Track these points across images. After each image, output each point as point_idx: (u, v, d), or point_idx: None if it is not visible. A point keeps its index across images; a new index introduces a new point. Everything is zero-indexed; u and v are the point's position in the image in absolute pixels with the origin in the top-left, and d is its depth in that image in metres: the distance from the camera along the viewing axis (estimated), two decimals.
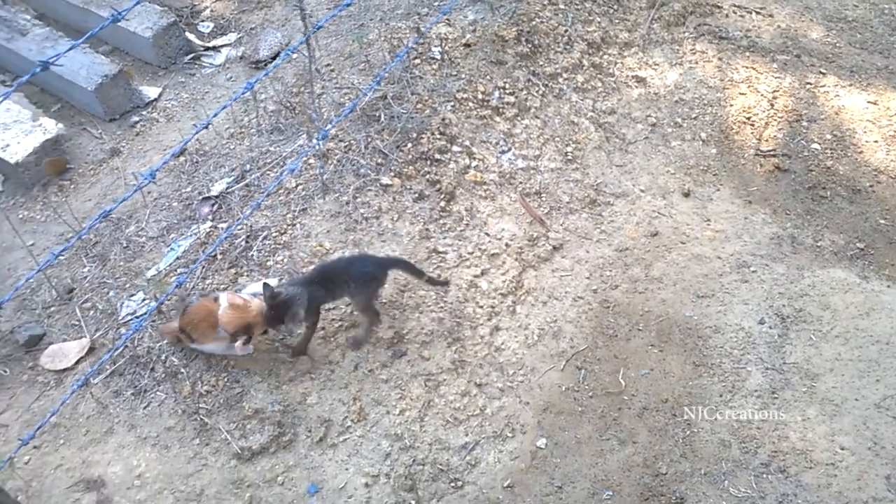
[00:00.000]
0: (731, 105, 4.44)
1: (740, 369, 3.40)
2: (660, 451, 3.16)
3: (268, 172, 3.76)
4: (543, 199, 3.85)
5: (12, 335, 3.47)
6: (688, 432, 3.22)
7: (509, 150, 3.92)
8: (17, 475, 2.98)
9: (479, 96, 4.00)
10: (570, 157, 4.02)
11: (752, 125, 4.35)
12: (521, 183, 3.85)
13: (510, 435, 3.19)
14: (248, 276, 3.37)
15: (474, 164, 3.80)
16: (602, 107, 4.28)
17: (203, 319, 2.98)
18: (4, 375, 3.37)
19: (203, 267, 3.39)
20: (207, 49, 4.87)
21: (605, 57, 4.47)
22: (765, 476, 3.09)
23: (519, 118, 4.04)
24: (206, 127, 2.71)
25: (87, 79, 4.40)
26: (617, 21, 4.64)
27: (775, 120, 4.38)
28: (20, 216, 4.08)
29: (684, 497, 3.04)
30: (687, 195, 4.05)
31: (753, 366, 3.41)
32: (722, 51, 4.71)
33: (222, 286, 3.35)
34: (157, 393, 3.10)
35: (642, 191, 4.04)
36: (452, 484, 3.04)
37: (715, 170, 4.17)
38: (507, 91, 4.07)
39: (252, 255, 3.42)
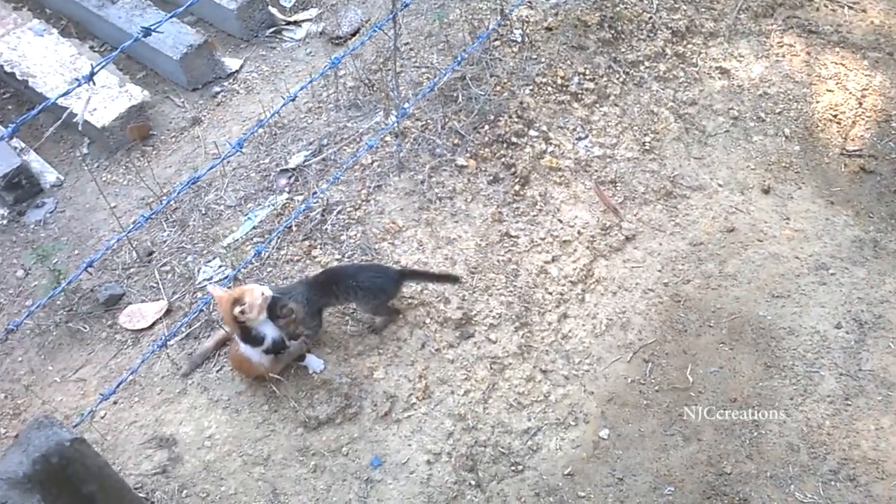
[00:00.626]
0: (818, 101, 4.29)
1: (813, 373, 3.31)
2: (725, 450, 3.11)
3: (344, 148, 3.80)
4: (618, 188, 3.80)
5: (93, 294, 3.60)
6: (755, 433, 3.16)
7: (586, 136, 3.88)
8: (94, 428, 3.10)
9: (559, 81, 3.96)
10: (647, 147, 3.96)
11: (839, 123, 4.21)
12: (596, 171, 3.80)
13: (573, 423, 3.18)
14: (321, 248, 3.42)
15: (550, 149, 3.77)
16: (683, 97, 4.19)
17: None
18: (84, 332, 3.50)
19: (278, 238, 3.45)
20: (289, 23, 4.93)
21: (689, 46, 4.37)
22: (833, 483, 3.02)
23: (597, 105, 3.98)
24: (293, 100, 2.75)
25: (173, 48, 4.50)
26: (703, 10, 4.52)
27: (863, 119, 4.22)
28: (104, 179, 4.21)
29: (748, 499, 2.99)
30: (766, 192, 3.95)
31: (827, 370, 3.32)
32: (810, 45, 4.55)
33: (296, 257, 3.41)
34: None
35: (720, 185, 3.95)
36: (513, 468, 3.04)
37: (797, 167, 4.05)
38: (587, 77, 4.02)
39: (326, 229, 3.47)
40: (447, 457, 3.01)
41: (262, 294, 2.86)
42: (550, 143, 3.78)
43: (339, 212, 3.52)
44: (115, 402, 3.17)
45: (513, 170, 3.66)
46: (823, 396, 3.25)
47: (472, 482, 2.99)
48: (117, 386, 2.74)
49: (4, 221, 4.16)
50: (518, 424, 3.13)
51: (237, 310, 2.82)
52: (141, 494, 2.82)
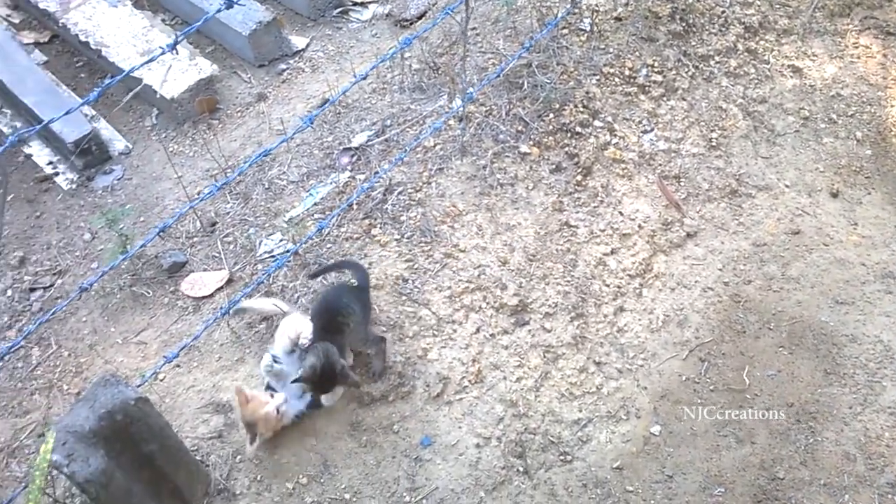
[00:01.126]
0: (893, 106, 4.17)
1: (875, 383, 3.23)
2: (779, 455, 3.06)
3: (407, 129, 3.81)
4: (682, 184, 3.74)
5: (157, 260, 3.68)
6: (811, 440, 3.10)
7: (652, 130, 3.83)
8: (153, 390, 3.18)
9: (626, 72, 3.92)
10: (713, 144, 3.89)
11: None
12: (660, 165, 3.75)
13: (624, 417, 3.15)
14: (381, 227, 3.45)
15: (615, 140, 3.73)
16: (753, 94, 4.10)
17: None
18: (147, 297, 3.59)
19: (339, 215, 3.48)
20: (356, 4, 4.96)
21: (762, 43, 4.27)
22: (890, 496, 2.95)
23: (665, 98, 3.93)
24: (364, 78, 2.77)
25: (242, 24, 4.56)
26: (777, 6, 4.41)
27: None
28: (171, 149, 4.30)
29: None
30: (835, 195, 3.85)
31: (889, 381, 3.24)
32: (888, 47, 4.41)
33: (356, 235, 3.44)
34: None
35: (787, 186, 3.87)
36: (562, 457, 3.04)
37: (868, 172, 3.94)
38: (656, 69, 3.96)
39: (387, 209, 3.49)
40: (496, 441, 3.02)
41: (276, 413, 2.87)
42: (615, 135, 3.74)
43: (400, 192, 3.54)
44: (174, 367, 3.25)
45: (576, 160, 3.64)
46: (884, 407, 3.17)
47: (521, 468, 2.99)
48: (180, 350, 2.81)
49: (73, 186, 4.29)
50: (569, 414, 3.12)
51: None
52: (196, 457, 2.88)
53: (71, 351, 3.54)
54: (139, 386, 2.68)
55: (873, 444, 3.07)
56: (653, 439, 3.10)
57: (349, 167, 3.73)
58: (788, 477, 3.00)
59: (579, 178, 3.60)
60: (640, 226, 3.57)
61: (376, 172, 3.59)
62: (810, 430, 3.12)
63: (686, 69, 4.04)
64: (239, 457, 2.93)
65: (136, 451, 2.54)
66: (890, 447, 3.06)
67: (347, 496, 2.88)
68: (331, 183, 3.67)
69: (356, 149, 3.79)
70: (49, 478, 2.88)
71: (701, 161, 3.84)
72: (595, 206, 3.57)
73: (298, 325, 3.04)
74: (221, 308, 3.05)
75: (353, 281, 3.17)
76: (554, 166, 3.63)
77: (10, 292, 3.85)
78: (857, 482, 2.97)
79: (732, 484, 2.99)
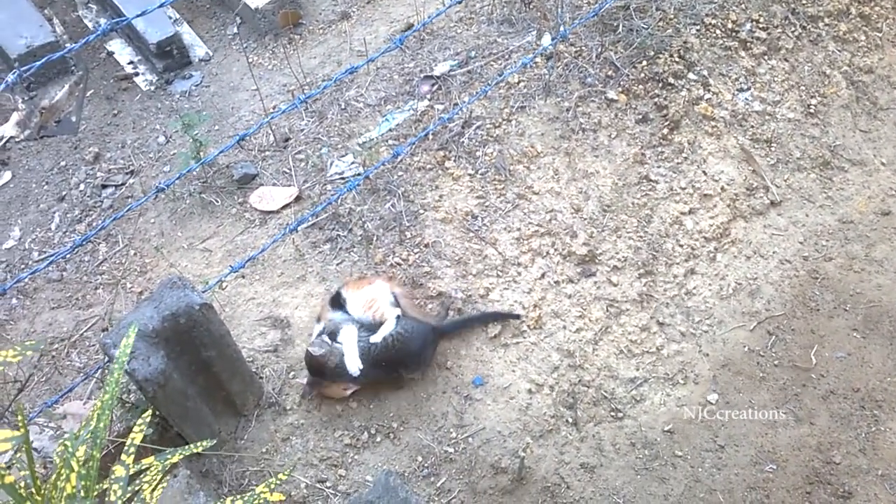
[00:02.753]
0: None
1: None
2: (838, 439, 2.96)
3: (492, 63, 3.69)
4: (772, 149, 3.56)
5: (228, 170, 3.68)
6: (874, 428, 2.99)
7: (748, 89, 3.64)
8: (214, 298, 3.21)
9: (729, 25, 3.71)
10: (811, 111, 3.68)
11: None
12: (752, 127, 3.57)
13: (682, 381, 3.08)
14: (455, 161, 3.38)
15: (707, 96, 3.56)
16: (860, 63, 3.85)
17: None
18: (216, 205, 3.60)
19: (414, 144, 3.41)
20: None
21: (876, 9, 3.99)
22: None
23: (766, 57, 3.71)
24: (452, 6, 2.66)
25: None
26: None
27: None
28: (250, 60, 4.26)
29: (853, 493, 2.85)
30: None
31: None
32: None
33: (428, 166, 3.38)
34: (352, 253, 3.21)
35: (883, 163, 3.65)
36: (613, 413, 2.99)
37: None
38: (760, 25, 3.74)
39: (463, 142, 3.41)
40: (549, 390, 2.99)
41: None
42: (709, 90, 3.57)
43: (478, 127, 3.45)
44: (235, 277, 3.27)
45: (664, 112, 3.48)
46: None
47: (570, 419, 2.95)
48: (247, 261, 2.81)
49: (152, 88, 4.29)
50: (625, 372, 3.06)
51: None
52: (251, 369, 2.92)
53: (137, 250, 3.60)
54: (203, 293, 2.69)
55: None
56: (708, 407, 3.03)
57: (429, 96, 3.64)
58: (844, 463, 2.91)
59: (665, 131, 3.46)
60: (722, 188, 3.42)
61: (456, 104, 3.49)
62: (874, 419, 3.00)
63: (792, 28, 3.80)
64: (292, 373, 2.95)
65: (196, 355, 2.58)
66: None
67: (395, 424, 2.89)
68: (408, 110, 3.60)
69: (437, 78, 3.70)
70: (106, 370, 2.97)
71: (796, 127, 3.64)
72: (678, 163, 3.43)
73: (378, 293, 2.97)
74: (289, 224, 3.04)
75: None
76: (640, 116, 3.48)
77: (82, 186, 3.91)
78: None
79: (785, 462, 2.91)
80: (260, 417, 2.85)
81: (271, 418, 2.85)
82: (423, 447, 2.85)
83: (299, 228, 3.31)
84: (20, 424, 1.41)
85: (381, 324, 2.89)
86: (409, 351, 2.87)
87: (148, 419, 1.68)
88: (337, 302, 2.96)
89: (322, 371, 2.82)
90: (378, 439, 2.86)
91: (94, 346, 3.30)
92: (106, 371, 2.83)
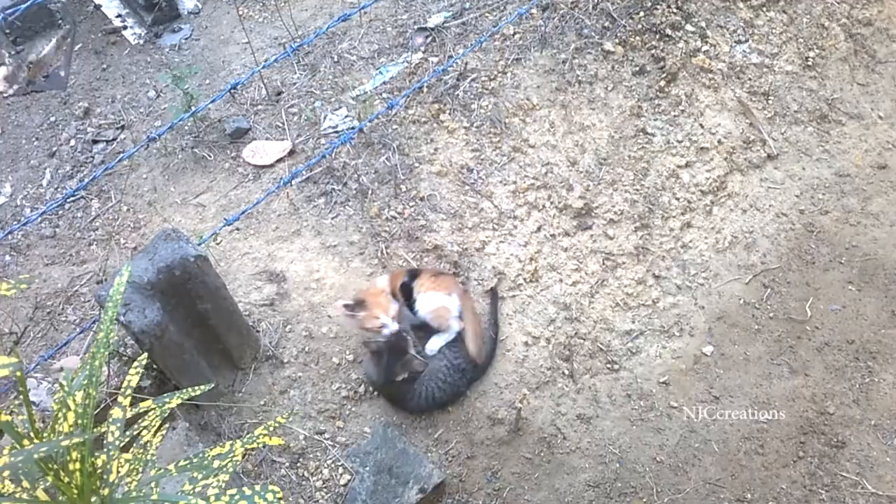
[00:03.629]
0: None
1: None
2: (832, 390, 2.99)
3: (486, 14, 3.63)
4: (770, 102, 3.54)
5: (220, 124, 3.63)
6: (867, 380, 3.01)
7: (746, 41, 3.59)
8: (209, 253, 3.19)
9: None
10: (809, 63, 3.64)
11: None
12: (749, 79, 3.54)
13: (677, 334, 3.09)
14: (450, 114, 3.34)
15: (705, 48, 3.51)
16: (859, 15, 3.81)
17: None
18: (208, 160, 3.56)
19: (408, 97, 3.37)
20: None
21: None
22: None
23: (765, 8, 3.66)
24: None
25: None
26: None
27: None
28: (240, 13, 4.18)
29: (846, 442, 2.88)
30: None
31: None
32: None
33: (423, 119, 3.34)
34: (347, 207, 3.19)
35: (881, 117, 3.63)
36: (608, 365, 3.01)
37: None
38: None
39: (458, 95, 3.37)
40: (545, 342, 2.99)
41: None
42: (706, 42, 3.52)
43: (473, 79, 3.40)
44: (231, 232, 3.24)
45: (661, 64, 3.44)
46: None
47: (566, 371, 2.97)
48: (241, 214, 2.79)
49: (141, 41, 4.21)
50: (621, 324, 3.07)
51: None
52: (248, 322, 2.91)
53: (130, 206, 3.56)
54: (198, 246, 2.67)
55: None
56: (703, 359, 3.05)
57: (423, 48, 3.59)
58: (838, 413, 2.94)
59: (662, 83, 3.42)
60: (719, 141, 3.40)
61: (451, 56, 3.45)
62: (868, 370, 3.03)
63: None
64: (289, 326, 2.95)
65: (192, 308, 2.56)
66: None
67: None
68: (402, 63, 3.54)
69: (431, 30, 3.64)
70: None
71: (793, 80, 3.61)
72: (675, 116, 3.40)
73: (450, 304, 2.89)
74: (283, 178, 3.01)
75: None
76: (637, 68, 3.44)
77: (73, 142, 3.85)
78: None
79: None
80: (257, 371, 2.85)
81: (269, 371, 2.85)
82: None
83: (293, 182, 3.29)
84: (17, 372, 1.40)
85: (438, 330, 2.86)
86: (447, 385, 2.83)
87: (144, 362, 1.66)
88: (406, 292, 2.89)
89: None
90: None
91: (89, 301, 3.28)
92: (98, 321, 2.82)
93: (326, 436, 2.74)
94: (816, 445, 2.85)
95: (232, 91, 2.60)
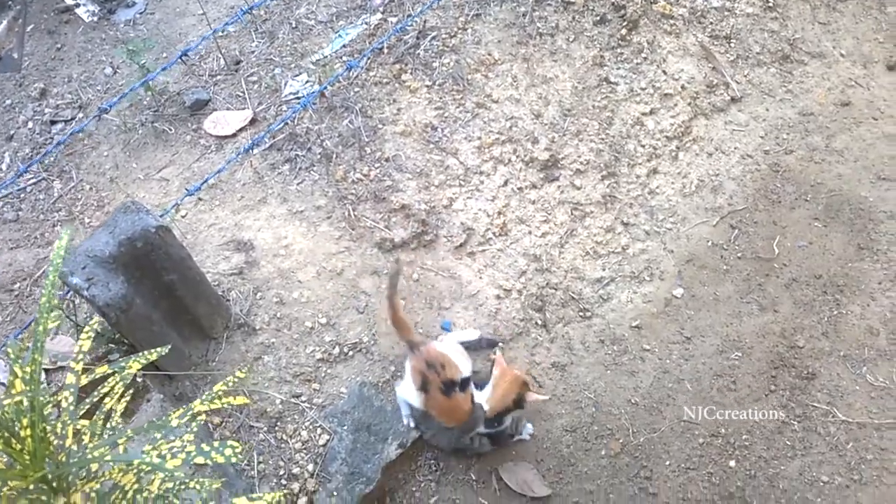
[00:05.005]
0: None
1: None
2: (801, 324, 3.03)
3: None
4: (732, 45, 3.53)
5: (179, 97, 3.59)
6: (835, 312, 3.05)
7: None
8: (175, 226, 3.16)
9: None
10: (770, 5, 3.64)
11: None
12: (711, 23, 3.53)
13: (647, 279, 3.11)
14: (412, 73, 3.31)
15: None
16: None
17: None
18: (169, 133, 3.52)
19: (368, 59, 3.34)
20: None
21: None
22: None
23: None
24: None
25: None
26: None
27: None
28: None
29: (816, 374, 2.92)
30: (891, 68, 3.64)
31: None
32: None
33: (385, 80, 3.31)
34: (312, 172, 3.17)
35: (842, 55, 3.65)
36: (581, 313, 3.03)
37: None
38: None
39: (419, 54, 3.34)
40: (517, 294, 3.01)
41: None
42: None
43: (433, 37, 3.37)
44: (196, 204, 3.22)
45: (622, 12, 3.43)
46: None
47: (539, 322, 2.99)
48: (202, 183, 2.76)
49: (95, 18, 4.14)
50: (592, 272, 3.09)
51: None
52: (217, 292, 2.89)
53: (92, 185, 3.52)
54: (160, 217, 2.65)
55: None
56: (674, 301, 3.07)
57: (381, 8, 3.55)
58: (808, 346, 2.98)
59: (624, 32, 3.41)
60: (682, 86, 3.40)
61: (409, 15, 3.41)
62: (836, 303, 3.07)
63: None
64: (259, 294, 2.94)
65: (157, 279, 2.54)
66: None
67: (366, 339, 2.90)
68: (361, 24, 3.50)
69: None
70: (70, 304, 2.94)
71: (755, 22, 3.60)
72: (637, 63, 3.39)
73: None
74: (244, 146, 2.98)
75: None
76: (598, 18, 3.42)
77: (31, 124, 3.80)
78: (877, 356, 2.94)
79: (750, 349, 2.98)
80: (230, 339, 2.84)
81: (241, 339, 2.84)
82: (395, 358, 2.87)
83: (257, 151, 3.26)
84: None
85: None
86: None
87: (95, 327, 1.65)
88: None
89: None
90: (350, 354, 2.87)
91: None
92: (68, 300, 2.81)
93: (303, 398, 2.75)
94: (787, 378, 2.90)
95: (185, 58, 2.57)
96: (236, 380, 1.58)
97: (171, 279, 2.57)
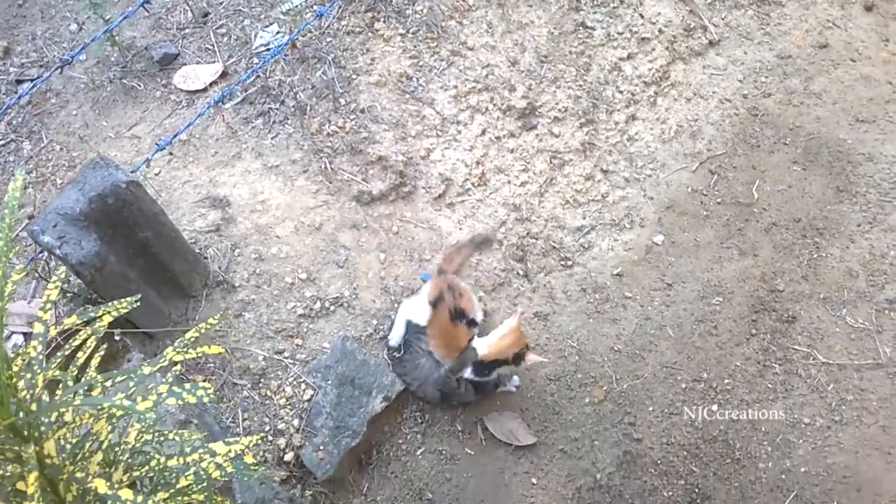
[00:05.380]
0: None
1: (886, 202, 3.16)
2: (781, 268, 3.04)
3: None
4: None
5: (147, 52, 3.48)
6: (815, 255, 3.06)
7: None
8: (148, 184, 3.10)
9: None
10: None
11: None
12: None
13: (628, 226, 3.10)
14: (384, 21, 3.23)
15: None
16: None
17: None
18: (139, 90, 3.43)
19: (340, 8, 3.25)
20: None
21: None
22: (887, 312, 2.95)
23: None
24: None
25: None
26: None
27: None
28: None
29: (796, 317, 2.94)
30: (869, 9, 3.60)
31: None
32: None
33: (357, 29, 3.23)
34: (286, 126, 3.11)
35: None
36: (562, 262, 3.02)
37: None
38: None
39: (392, 1, 3.26)
40: (498, 245, 2.98)
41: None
42: None
43: None
44: (169, 161, 3.15)
45: None
46: (893, 226, 3.11)
47: (520, 272, 2.97)
48: (174, 137, 2.69)
49: None
50: (572, 221, 3.07)
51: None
52: (195, 249, 2.85)
53: (63, 145, 3.43)
54: (133, 172, 2.58)
55: (877, 261, 3.04)
56: (655, 248, 3.07)
57: None
58: (788, 290, 2.99)
59: None
60: (660, 30, 3.35)
61: None
62: (815, 246, 3.08)
63: None
64: (237, 251, 2.90)
65: (131, 236, 2.49)
66: (893, 265, 3.03)
67: (347, 293, 2.88)
68: None
69: None
70: (45, 264, 2.88)
71: None
72: (614, 7, 3.34)
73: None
74: (213, 97, 2.90)
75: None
76: None
77: None
78: (856, 297, 2.97)
79: (731, 294, 2.99)
80: (209, 297, 2.81)
81: (221, 296, 2.81)
82: (377, 311, 2.85)
83: (229, 105, 3.19)
84: None
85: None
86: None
87: (63, 276, 1.61)
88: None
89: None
90: (332, 308, 2.84)
91: (30, 244, 3.18)
92: (41, 262, 2.75)
93: (286, 354, 2.73)
94: (768, 322, 2.92)
95: (147, 6, 2.47)
96: (208, 326, 1.55)
97: (146, 236, 2.52)
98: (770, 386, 2.82)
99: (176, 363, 1.57)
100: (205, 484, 1.45)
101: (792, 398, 2.79)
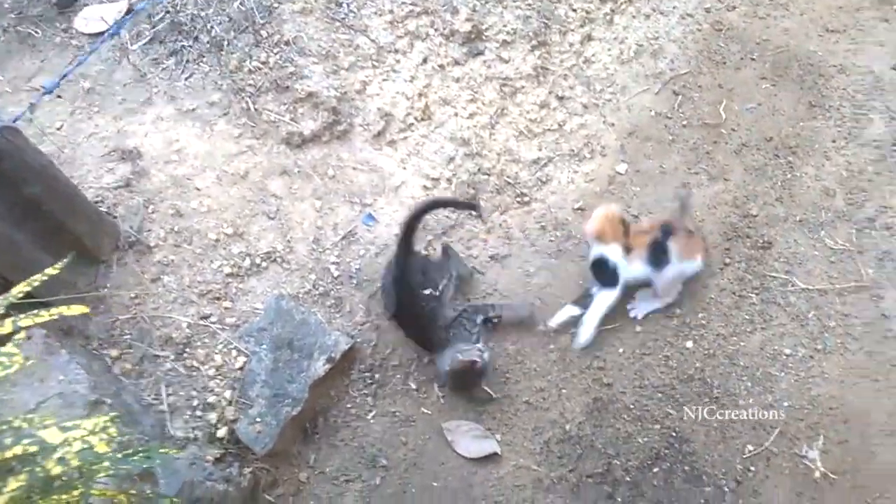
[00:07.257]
0: None
1: (861, 116, 2.94)
2: (753, 191, 2.81)
3: None
4: None
5: None
6: (789, 176, 2.84)
7: None
8: (50, 140, 2.75)
9: None
10: None
11: None
12: None
13: (588, 156, 2.84)
14: None
15: None
16: None
17: None
18: (36, 37, 3.07)
19: None
20: None
21: None
22: (867, 231, 2.74)
23: None
24: None
25: None
26: None
27: None
28: None
29: (772, 242, 2.72)
30: None
31: (877, 114, 2.94)
32: None
33: None
34: (201, 65, 2.78)
35: None
36: (518, 199, 2.75)
37: None
38: None
39: None
40: (447, 183, 2.71)
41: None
42: None
43: None
44: (72, 113, 2.81)
45: None
46: (869, 141, 2.89)
47: (473, 213, 2.70)
48: (61, 78, 2.33)
49: None
50: (527, 154, 2.80)
51: None
52: (102, 208, 2.52)
53: None
54: (15, 121, 2.23)
55: (855, 178, 2.82)
56: (618, 178, 2.82)
57: None
58: (762, 214, 2.77)
59: None
60: None
61: None
62: (789, 166, 2.85)
63: None
64: (151, 207, 2.57)
65: (16, 194, 2.15)
66: (872, 181, 2.82)
67: (280, 247, 2.58)
68: None
69: None
70: None
71: None
72: None
73: None
74: (110, 31, 2.55)
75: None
76: None
77: None
78: (834, 217, 2.75)
79: (702, 222, 2.75)
80: (121, 261, 2.49)
81: (135, 259, 2.49)
82: (315, 266, 2.57)
83: (136, 46, 2.85)
84: None
85: None
86: None
87: None
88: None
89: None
90: (263, 265, 2.55)
91: None
92: None
93: (213, 319, 2.43)
94: (742, 249, 2.69)
95: None
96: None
97: (34, 192, 2.18)
98: (747, 317, 2.60)
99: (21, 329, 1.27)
100: (41, 485, 1.12)
101: (771, 329, 2.58)
